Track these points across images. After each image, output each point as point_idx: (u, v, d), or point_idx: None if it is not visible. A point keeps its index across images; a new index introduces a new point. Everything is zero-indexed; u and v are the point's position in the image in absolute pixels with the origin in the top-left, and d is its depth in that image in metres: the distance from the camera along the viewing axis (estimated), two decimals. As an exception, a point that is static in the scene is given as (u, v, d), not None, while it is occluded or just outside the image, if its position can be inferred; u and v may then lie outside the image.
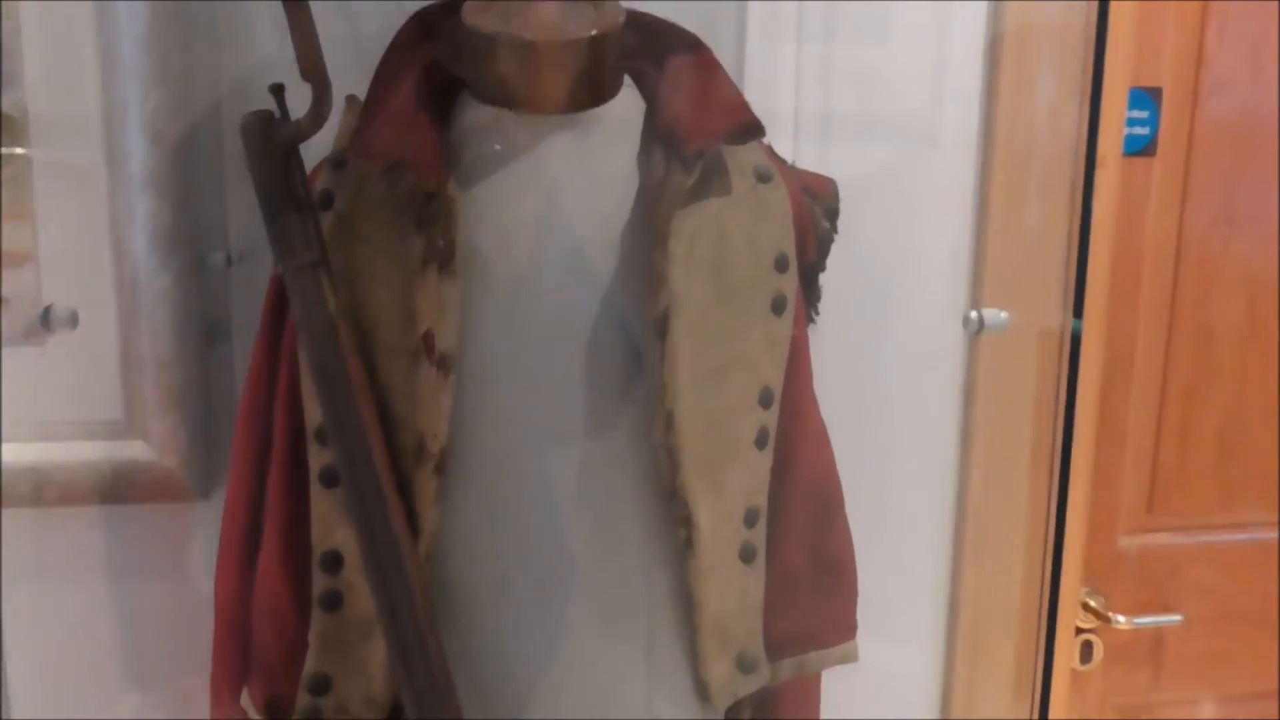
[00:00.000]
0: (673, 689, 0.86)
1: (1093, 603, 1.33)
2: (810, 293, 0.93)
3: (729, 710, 0.93)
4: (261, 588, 0.84)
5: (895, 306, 1.13)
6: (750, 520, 0.86)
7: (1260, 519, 1.38)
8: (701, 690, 0.86)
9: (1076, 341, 1.06)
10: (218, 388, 1.01)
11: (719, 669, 0.86)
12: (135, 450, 1.00)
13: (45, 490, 0.99)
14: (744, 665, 0.88)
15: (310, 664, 0.82)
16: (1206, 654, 1.40)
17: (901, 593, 1.19)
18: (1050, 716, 1.31)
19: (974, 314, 1.12)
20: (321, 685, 0.82)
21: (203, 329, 0.99)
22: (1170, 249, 1.27)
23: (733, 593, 0.86)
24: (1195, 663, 1.41)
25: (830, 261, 0.93)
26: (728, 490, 0.83)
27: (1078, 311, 1.06)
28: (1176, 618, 1.35)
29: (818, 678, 0.98)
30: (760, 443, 0.85)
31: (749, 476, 0.85)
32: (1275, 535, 1.38)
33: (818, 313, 0.96)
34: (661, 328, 0.79)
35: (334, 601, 0.82)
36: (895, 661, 1.19)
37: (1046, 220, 1.11)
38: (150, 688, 1.05)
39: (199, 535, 1.02)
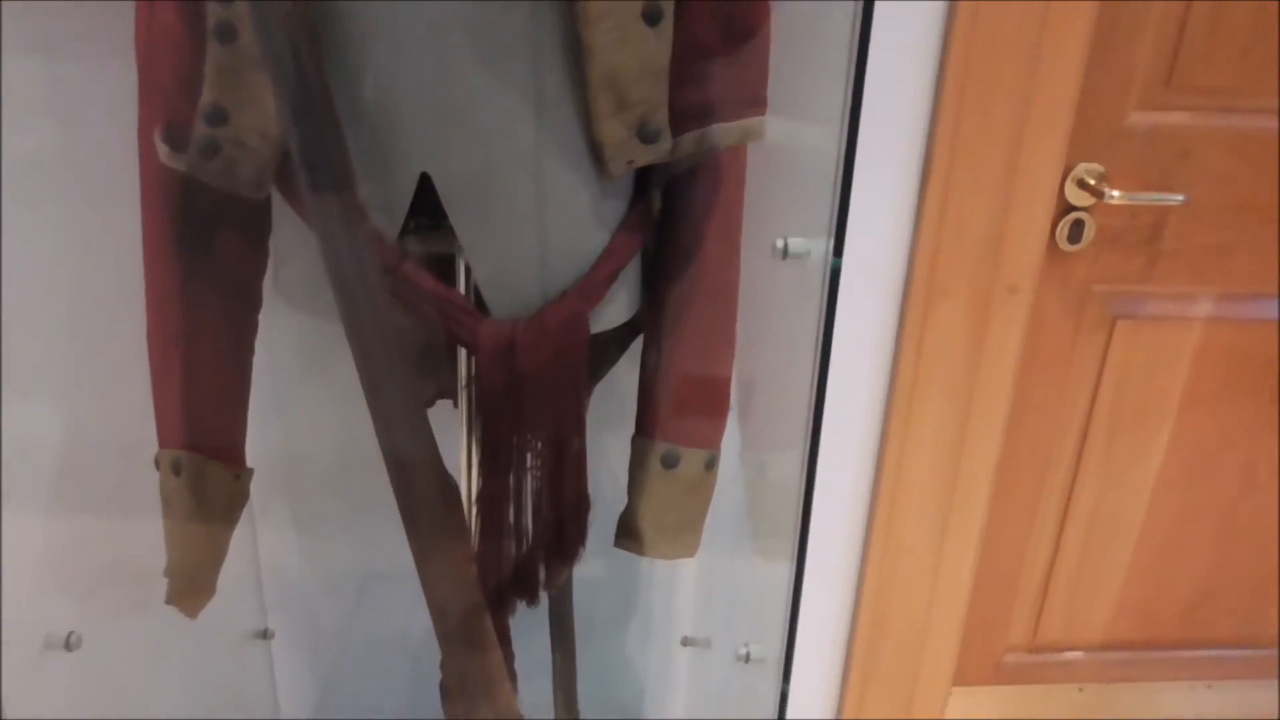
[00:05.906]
0: (564, 145, 0.85)
1: (1089, 179, 1.26)
2: None
3: (638, 185, 0.93)
4: (150, 10, 0.84)
5: None
6: (656, -23, 0.81)
7: (1295, 105, 1.26)
8: (595, 151, 0.86)
9: None
10: None
11: (613, 130, 0.85)
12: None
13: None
14: (644, 134, 0.86)
15: (206, 94, 0.83)
16: (1208, 247, 1.33)
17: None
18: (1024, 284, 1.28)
19: None
20: (218, 116, 0.84)
21: None
22: None
23: (631, 52, 0.82)
24: (1195, 255, 1.33)
25: None
26: (625, -69, 0.78)
27: None
28: (1178, 197, 1.27)
29: (738, 178, 0.96)
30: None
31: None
32: (1308, 122, 1.26)
33: None
34: None
35: (229, 33, 0.81)
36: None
37: None
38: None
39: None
